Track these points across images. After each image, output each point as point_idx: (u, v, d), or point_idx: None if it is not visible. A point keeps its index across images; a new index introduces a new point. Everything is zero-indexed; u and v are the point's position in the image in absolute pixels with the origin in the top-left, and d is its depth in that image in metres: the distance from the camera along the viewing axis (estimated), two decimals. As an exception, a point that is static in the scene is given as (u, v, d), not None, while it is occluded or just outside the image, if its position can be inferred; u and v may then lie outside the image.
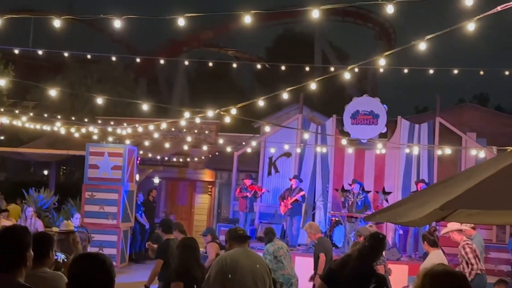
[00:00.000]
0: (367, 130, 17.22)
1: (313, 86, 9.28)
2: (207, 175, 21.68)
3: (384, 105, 17.27)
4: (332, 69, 18.48)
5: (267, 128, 17.30)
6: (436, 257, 8.23)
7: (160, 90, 38.71)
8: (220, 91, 34.20)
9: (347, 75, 8.90)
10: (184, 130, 20.85)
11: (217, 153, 20.57)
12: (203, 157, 20.96)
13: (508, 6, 6.08)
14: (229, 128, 22.24)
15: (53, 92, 9.99)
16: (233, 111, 9.63)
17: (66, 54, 17.33)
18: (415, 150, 16.33)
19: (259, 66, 28.91)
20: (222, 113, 10.14)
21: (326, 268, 6.01)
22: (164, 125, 13.21)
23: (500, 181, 3.43)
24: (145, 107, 10.57)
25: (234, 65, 29.85)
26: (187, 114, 10.47)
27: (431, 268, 3.23)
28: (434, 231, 9.59)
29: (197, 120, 12.17)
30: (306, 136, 17.34)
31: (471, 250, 9.25)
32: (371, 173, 17.60)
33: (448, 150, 15.34)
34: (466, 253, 9.14)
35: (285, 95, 9.82)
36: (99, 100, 10.53)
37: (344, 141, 16.62)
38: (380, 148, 16.26)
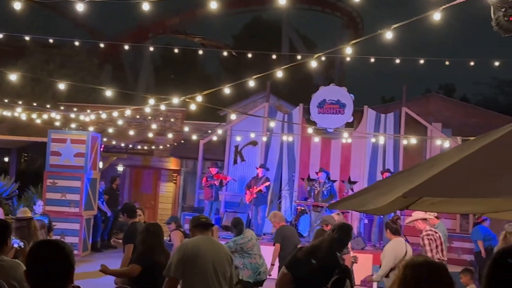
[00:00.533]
0: (334, 119, 17.27)
1: (279, 74, 9.31)
2: (172, 163, 21.63)
3: (351, 95, 17.37)
4: (299, 57, 18.53)
5: (233, 116, 17.27)
6: (396, 245, 8.49)
7: (125, 76, 38.24)
8: (186, 78, 34.13)
9: (313, 64, 8.88)
10: (149, 117, 20.70)
11: (182, 141, 20.51)
12: (168, 145, 20.88)
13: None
14: (195, 116, 22.21)
15: (13, 77, 9.78)
16: (199, 98, 9.56)
17: (27, 38, 17.03)
18: (381, 140, 16.57)
19: (225, 54, 28.86)
20: (187, 100, 10.08)
21: (291, 256, 5.98)
22: (128, 112, 13.11)
23: (463, 169, 3.42)
24: (108, 93, 10.46)
25: (201, 52, 29.65)
26: (152, 101, 10.40)
27: (411, 259, 3.25)
28: (397, 219, 9.80)
29: (162, 108, 12.10)
30: (272, 124, 17.37)
31: (429, 242, 9.39)
32: (337, 162, 17.70)
33: (413, 140, 15.54)
34: (424, 245, 9.32)
35: (251, 83, 9.74)
36: (62, 86, 10.32)
37: (310, 130, 16.76)
38: (346, 137, 16.37)
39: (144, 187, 22.12)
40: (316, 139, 17.30)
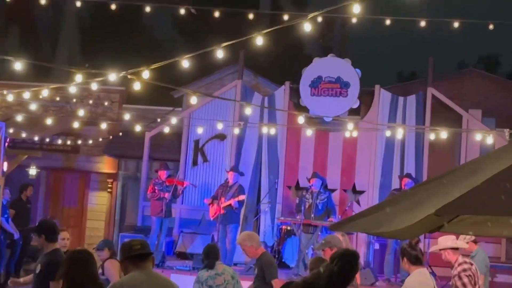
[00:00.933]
0: (333, 104, 17.61)
1: (259, 41, 9.20)
2: (106, 165, 21.61)
3: (357, 70, 17.67)
4: (285, 17, 18.62)
5: (193, 100, 17.27)
6: (418, 279, 8.46)
7: (40, 43, 38.09)
8: (127, 46, 33.94)
9: (306, 27, 8.91)
10: (74, 100, 20.76)
11: (121, 134, 20.51)
12: (100, 139, 20.84)
13: None
14: (139, 99, 22.17)
15: None
16: (146, 74, 9.55)
17: None
18: (399, 133, 16.55)
19: (182, 12, 28.76)
20: (130, 76, 10.05)
21: None
22: (45, 92, 13.10)
23: None
24: (17, 66, 10.43)
25: (148, 9, 29.65)
26: (79, 78, 10.33)
27: None
28: (416, 243, 9.83)
29: (93, 87, 12.16)
30: (248, 111, 17.32)
31: (469, 280, 9.46)
32: (338, 164, 17.94)
33: (443, 134, 15.67)
34: (464, 285, 9.37)
35: (219, 53, 9.70)
36: None
37: (301, 119, 16.77)
38: (350, 129, 16.42)
39: (67, 198, 22.04)
40: (309, 131, 17.23)
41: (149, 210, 17.25)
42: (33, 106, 15.69)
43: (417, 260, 8.73)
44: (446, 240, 9.73)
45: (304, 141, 18.13)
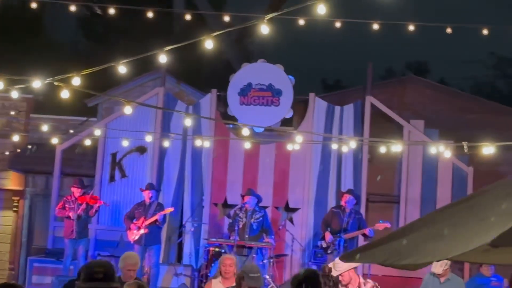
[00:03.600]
0: (264, 113, 17.72)
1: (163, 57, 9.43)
2: (11, 181, 21.32)
3: (290, 76, 17.84)
4: (186, 18, 18.44)
5: (127, 110, 16.90)
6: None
7: None
8: (23, 49, 33.41)
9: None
10: None
11: (29, 147, 20.33)
12: (6, 153, 20.62)
13: None
14: (49, 108, 21.56)
15: None
16: (76, 80, 9.28)
17: None
18: (336, 146, 16.89)
19: (73, 9, 28.62)
20: (57, 83, 9.63)
21: None
22: None
23: None
24: None
25: (34, 5, 29.70)
26: None
27: None
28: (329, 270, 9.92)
29: (14, 95, 12.01)
30: (187, 122, 17.32)
31: None
32: (269, 179, 18.10)
33: (382, 148, 15.63)
34: None
35: (162, 58, 9.47)
36: None
37: (229, 131, 16.53)
38: (284, 141, 16.72)
39: None
40: (238, 143, 17.52)
41: (61, 231, 17.02)
42: None
43: None
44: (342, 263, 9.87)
45: (233, 154, 18.16)
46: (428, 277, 12.85)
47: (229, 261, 10.34)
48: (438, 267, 12.34)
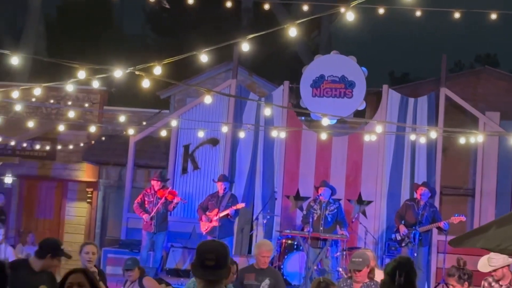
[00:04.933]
0: (337, 105, 17.42)
1: (245, 46, 9.29)
2: (85, 173, 21.60)
3: (363, 68, 17.64)
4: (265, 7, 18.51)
5: (207, 99, 16.93)
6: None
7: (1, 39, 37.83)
8: (97, 42, 33.87)
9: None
10: (52, 101, 20.57)
11: (103, 138, 20.51)
12: (81, 144, 20.76)
13: None
14: (121, 100, 21.70)
15: None
16: (157, 70, 9.45)
17: None
18: (411, 137, 16.86)
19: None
20: (138, 73, 9.79)
21: None
22: (38, 91, 12.74)
23: None
24: (14, 60, 10.02)
25: None
26: (82, 75, 9.82)
27: None
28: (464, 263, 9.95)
29: (95, 85, 12.11)
30: (244, 114, 17.85)
31: None
32: (342, 171, 17.95)
33: (461, 138, 15.46)
34: None
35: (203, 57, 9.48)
36: None
37: (302, 123, 16.36)
38: (358, 132, 16.84)
39: (41, 208, 22.06)
40: (310, 136, 17.54)
41: (134, 222, 17.22)
42: (18, 107, 15.52)
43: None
44: (497, 259, 9.85)
45: (306, 146, 18.02)
46: None
47: None
48: None
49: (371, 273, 9.77)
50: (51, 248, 8.75)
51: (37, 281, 8.38)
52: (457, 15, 15.44)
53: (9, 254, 14.06)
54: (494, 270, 10.34)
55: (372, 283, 9.63)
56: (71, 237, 21.15)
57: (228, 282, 9.51)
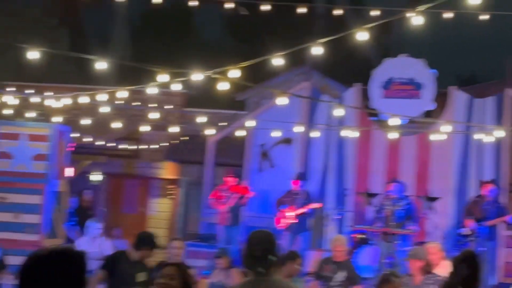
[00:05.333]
0: (407, 106, 17.41)
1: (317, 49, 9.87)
2: (167, 171, 21.77)
3: (433, 70, 17.66)
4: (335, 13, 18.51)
5: (282, 100, 17.29)
6: None
7: (89, 44, 38.36)
8: (177, 48, 34.12)
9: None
10: (135, 103, 20.76)
11: (186, 138, 20.66)
12: (165, 144, 21.03)
13: None
14: (201, 102, 22.17)
15: None
16: (235, 73, 9.77)
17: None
18: (478, 136, 16.49)
19: (228, 6, 28.83)
20: (214, 76, 10.16)
21: None
22: (121, 94, 13.17)
23: None
24: (101, 65, 10.50)
25: (195, 3, 30.08)
26: (164, 78, 10.35)
27: None
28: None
29: (175, 87, 12.31)
30: (317, 114, 17.86)
31: None
32: (411, 169, 17.83)
33: None
34: None
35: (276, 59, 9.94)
36: (33, 55, 10.42)
37: (372, 123, 16.67)
38: (429, 131, 16.48)
39: (126, 204, 22.28)
40: (380, 136, 17.48)
41: (213, 217, 17.40)
42: (105, 109, 15.83)
43: None
44: None
45: (375, 146, 18.04)
46: None
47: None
48: None
49: (427, 267, 9.85)
50: (148, 241, 9.28)
51: (135, 270, 8.92)
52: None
53: (108, 247, 14.42)
54: None
55: (431, 276, 9.65)
56: (154, 231, 21.34)
57: (293, 274, 9.79)
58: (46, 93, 18.18)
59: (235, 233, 16.95)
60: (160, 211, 22.07)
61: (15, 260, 14.54)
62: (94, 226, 15.48)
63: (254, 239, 5.63)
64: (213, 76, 10.02)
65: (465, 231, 15.58)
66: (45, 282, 3.21)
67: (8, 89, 20.19)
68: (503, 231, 16.52)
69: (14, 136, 15.53)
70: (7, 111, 16.68)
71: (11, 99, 15.76)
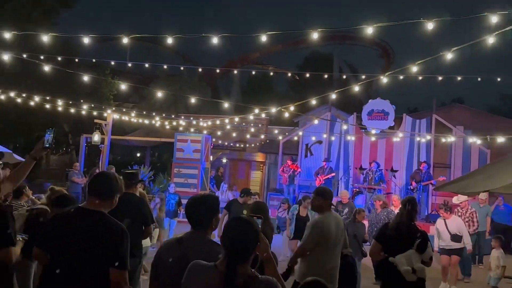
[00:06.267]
0: (380, 123, 16.59)
1: (333, 96, 9.55)
2: (259, 157, 21.27)
3: (393, 106, 16.64)
4: (342, 77, 17.77)
5: (304, 122, 16.88)
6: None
7: (220, 96, 38.39)
8: (264, 97, 33.78)
9: (384, 80, 8.47)
10: (243, 123, 20.49)
11: (268, 141, 20.19)
12: (257, 144, 20.57)
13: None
14: (275, 122, 21.94)
15: (159, 93, 9.95)
16: (293, 108, 9.48)
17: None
18: (416, 139, 15.94)
19: (289, 75, 28.41)
20: (282, 109, 9.94)
21: (379, 232, 5.42)
22: (235, 119, 12.95)
23: None
24: (226, 105, 10.37)
25: (271, 73, 29.58)
26: (237, 115, 10.20)
27: None
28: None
29: (251, 117, 11.80)
30: (334, 128, 16.94)
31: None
32: (382, 156, 16.95)
33: (443, 139, 14.90)
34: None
35: (313, 101, 9.44)
36: (193, 100, 10.46)
37: (363, 132, 16.14)
38: (392, 136, 15.84)
39: (239, 174, 21.74)
40: (367, 138, 16.72)
41: (282, 180, 16.51)
42: (228, 127, 15.71)
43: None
44: (462, 197, 9.36)
45: (364, 144, 17.13)
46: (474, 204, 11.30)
47: None
48: (482, 195, 11.19)
49: (384, 204, 9.13)
50: (247, 192, 8.60)
51: (242, 208, 8.28)
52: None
53: (230, 196, 14.11)
54: (460, 203, 9.85)
55: (385, 210, 8.97)
56: (253, 188, 19.76)
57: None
58: (200, 119, 18.35)
59: (292, 189, 16.22)
60: (256, 177, 21.54)
61: (185, 201, 14.61)
62: (223, 185, 15.49)
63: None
64: (282, 109, 9.88)
65: (411, 187, 14.63)
66: (198, 210, 2.97)
67: (182, 116, 20.42)
68: (431, 187, 15.31)
69: (184, 140, 15.61)
70: (181, 128, 16.77)
71: (182, 123, 15.77)
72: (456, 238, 8.39)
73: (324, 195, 4.95)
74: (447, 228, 8.41)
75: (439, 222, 8.63)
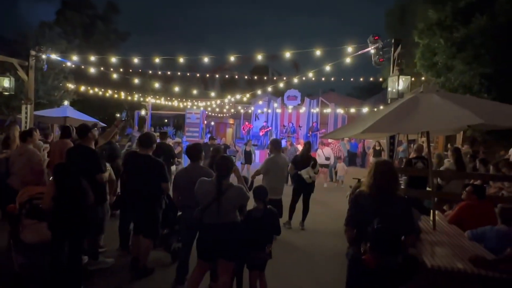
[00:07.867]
0: (293, 102, 21.39)
1: (269, 88, 10.72)
2: (231, 121, 24.46)
3: (300, 92, 21.05)
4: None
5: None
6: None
7: (209, 88, 34.45)
8: (233, 89, 32.92)
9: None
10: (222, 103, 21.11)
11: (235, 112, 23.33)
12: (230, 114, 23.53)
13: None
14: (240, 102, 23.02)
15: (176, 88, 14.51)
16: (247, 95, 11.78)
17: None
18: (311, 110, 21.30)
19: (246, 77, 30.29)
20: (243, 96, 11.85)
21: (293, 159, 7.11)
22: (218, 101, 17.11)
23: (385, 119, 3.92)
24: (213, 94, 14.05)
25: (236, 76, 30.76)
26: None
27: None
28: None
29: (225, 100, 15.06)
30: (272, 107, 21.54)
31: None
32: (295, 119, 21.49)
33: (324, 110, 21.14)
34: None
35: (259, 91, 11.29)
36: (195, 92, 14.75)
37: (284, 107, 20.96)
38: (298, 109, 20.91)
39: (221, 130, 24.45)
40: (286, 111, 21.86)
41: (243, 133, 20.58)
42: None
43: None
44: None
45: (285, 114, 21.82)
46: (342, 143, 13.14)
47: None
48: (345, 139, 12.53)
49: (292, 144, 10.01)
50: (211, 137, 9.76)
51: (209, 147, 8.90)
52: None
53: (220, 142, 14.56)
54: (333, 142, 11.82)
55: (293, 147, 9.91)
56: (227, 138, 23.37)
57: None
58: (199, 101, 20.92)
59: (247, 138, 18.38)
60: (229, 132, 24.30)
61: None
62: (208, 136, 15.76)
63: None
64: (243, 96, 11.54)
65: (308, 135, 18.46)
66: (193, 151, 4.12)
67: (189, 100, 22.21)
68: (318, 134, 19.21)
69: (191, 113, 19.18)
70: (189, 106, 19.85)
71: (189, 103, 19.38)
72: (327, 159, 11.23)
73: (274, 144, 6.66)
74: (323, 153, 11.18)
75: (319, 151, 11.47)
